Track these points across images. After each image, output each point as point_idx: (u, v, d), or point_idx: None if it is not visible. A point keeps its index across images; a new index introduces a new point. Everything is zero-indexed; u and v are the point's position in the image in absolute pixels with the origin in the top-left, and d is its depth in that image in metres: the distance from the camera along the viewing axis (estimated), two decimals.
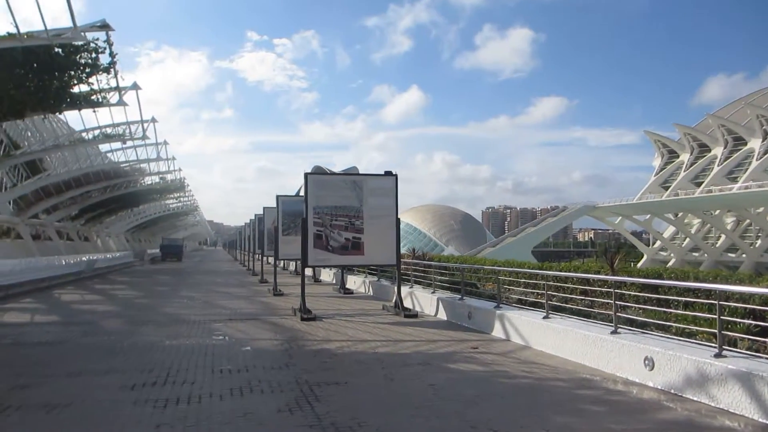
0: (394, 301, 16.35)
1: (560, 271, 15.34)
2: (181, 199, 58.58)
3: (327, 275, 29.77)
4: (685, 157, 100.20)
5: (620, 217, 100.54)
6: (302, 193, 16.34)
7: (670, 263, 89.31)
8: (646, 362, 7.95)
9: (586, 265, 15.49)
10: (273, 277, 23.47)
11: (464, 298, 14.47)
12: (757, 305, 8.52)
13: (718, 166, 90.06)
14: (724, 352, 7.25)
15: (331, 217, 15.74)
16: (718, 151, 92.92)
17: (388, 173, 16.28)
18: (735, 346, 7.90)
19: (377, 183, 16.22)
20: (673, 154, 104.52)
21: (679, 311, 8.99)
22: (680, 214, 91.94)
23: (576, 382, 8.20)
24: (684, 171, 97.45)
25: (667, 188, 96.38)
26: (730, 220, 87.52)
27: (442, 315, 15.06)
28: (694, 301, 8.75)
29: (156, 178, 41.12)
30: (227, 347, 11.01)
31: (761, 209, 78.65)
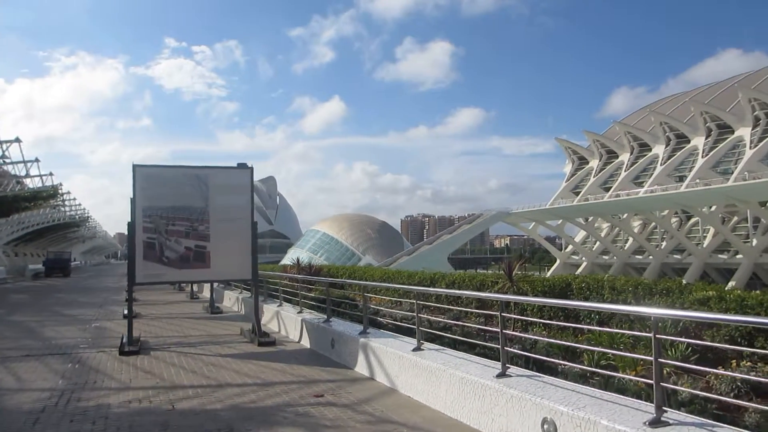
0: (252, 324, 13.11)
1: (453, 281, 12.62)
2: (60, 208, 52.74)
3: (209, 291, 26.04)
4: (594, 163, 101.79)
5: (533, 223, 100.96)
6: None
7: (581, 266, 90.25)
8: (546, 426, 5.16)
9: (481, 275, 12.84)
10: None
11: (331, 320, 11.45)
12: (692, 337, 5.96)
13: (625, 171, 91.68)
14: (666, 416, 4.52)
15: (167, 221, 12.36)
16: (625, 157, 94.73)
17: (242, 165, 13.08)
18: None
19: (227, 178, 13.02)
20: (583, 161, 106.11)
21: (590, 348, 6.26)
22: (590, 219, 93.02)
23: None
24: (593, 177, 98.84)
25: (577, 194, 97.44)
26: (637, 224, 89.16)
27: (306, 341, 11.98)
28: (612, 332, 6.02)
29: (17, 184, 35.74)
30: None
31: (665, 212, 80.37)
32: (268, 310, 15.56)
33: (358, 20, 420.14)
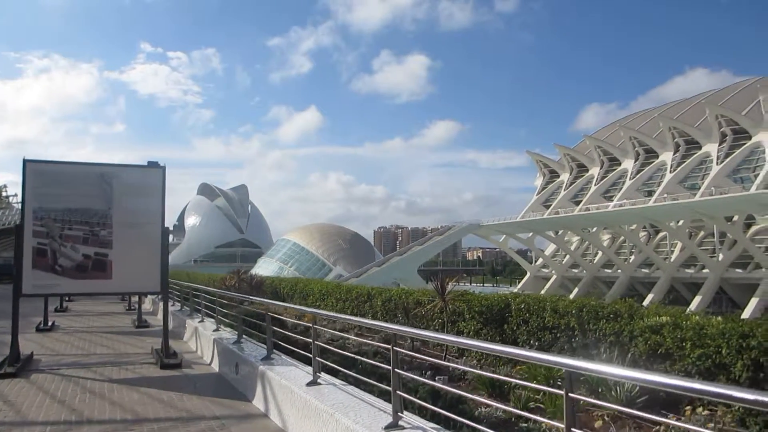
0: (161, 342, 11.60)
1: (389, 298, 11.29)
2: (6, 211, 50.27)
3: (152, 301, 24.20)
4: (565, 176, 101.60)
5: (504, 236, 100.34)
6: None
7: (551, 280, 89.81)
8: None
9: (419, 292, 11.39)
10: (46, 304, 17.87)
11: (242, 340, 10.02)
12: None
13: (595, 185, 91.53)
14: None
15: (63, 225, 10.82)
16: (595, 171, 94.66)
17: (153, 164, 11.60)
18: None
19: (135, 177, 11.53)
20: (554, 174, 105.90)
21: (487, 401, 4.94)
22: (560, 232, 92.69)
23: None
24: (564, 190, 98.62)
25: (548, 207, 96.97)
26: (606, 237, 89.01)
27: (216, 364, 10.53)
28: (519, 385, 4.71)
29: None
30: None
31: (634, 226, 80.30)
32: (190, 326, 14.07)
33: (336, 32, 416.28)
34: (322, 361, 6.67)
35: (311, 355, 6.66)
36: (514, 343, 8.41)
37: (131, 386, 9.10)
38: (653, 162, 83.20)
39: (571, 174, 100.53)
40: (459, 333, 9.53)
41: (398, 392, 4.76)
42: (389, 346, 4.78)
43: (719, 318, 6.18)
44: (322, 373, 6.70)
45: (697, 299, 62.67)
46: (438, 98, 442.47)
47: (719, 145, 72.01)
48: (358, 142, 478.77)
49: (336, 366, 6.46)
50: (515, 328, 8.41)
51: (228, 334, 11.40)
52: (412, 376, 5.00)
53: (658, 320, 6.37)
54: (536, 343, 7.96)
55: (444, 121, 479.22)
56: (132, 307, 23.94)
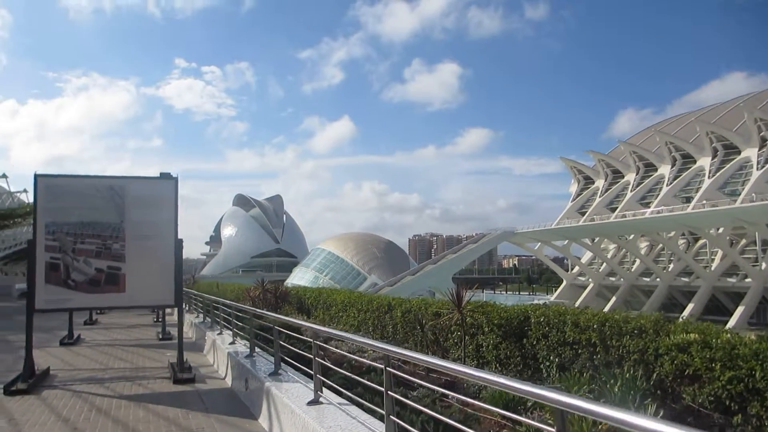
0: (176, 356, 11.42)
1: (409, 308, 10.90)
2: None
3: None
4: (600, 183, 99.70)
5: (539, 243, 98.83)
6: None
7: (588, 288, 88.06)
8: None
9: (439, 303, 10.99)
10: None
11: (254, 354, 9.74)
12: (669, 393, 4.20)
13: (631, 191, 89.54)
14: None
15: (75, 239, 10.73)
16: (630, 177, 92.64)
17: (165, 175, 11.45)
18: None
19: (146, 189, 11.37)
20: (588, 181, 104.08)
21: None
22: (596, 239, 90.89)
23: None
24: (599, 197, 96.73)
25: (583, 214, 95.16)
26: (644, 245, 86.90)
27: (230, 379, 10.30)
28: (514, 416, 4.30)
29: None
30: None
31: (672, 234, 78.20)
32: (209, 338, 13.91)
33: (366, 42, 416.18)
34: (323, 379, 6.32)
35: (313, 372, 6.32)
36: (534, 359, 7.96)
37: (139, 403, 8.88)
38: (691, 167, 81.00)
39: (606, 180, 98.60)
40: (478, 347, 9.11)
41: (392, 417, 4.38)
42: (382, 366, 4.42)
43: (752, 336, 5.64)
44: (324, 390, 6.36)
45: (739, 309, 60.61)
46: (470, 105, 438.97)
47: (759, 150, 69.72)
48: (390, 151, 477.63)
49: (336, 386, 6.10)
50: (534, 342, 7.95)
51: (243, 347, 11.16)
52: (405, 400, 4.60)
53: (686, 337, 5.85)
54: (556, 359, 7.48)
55: (477, 128, 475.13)
56: (159, 319, 24.06)
